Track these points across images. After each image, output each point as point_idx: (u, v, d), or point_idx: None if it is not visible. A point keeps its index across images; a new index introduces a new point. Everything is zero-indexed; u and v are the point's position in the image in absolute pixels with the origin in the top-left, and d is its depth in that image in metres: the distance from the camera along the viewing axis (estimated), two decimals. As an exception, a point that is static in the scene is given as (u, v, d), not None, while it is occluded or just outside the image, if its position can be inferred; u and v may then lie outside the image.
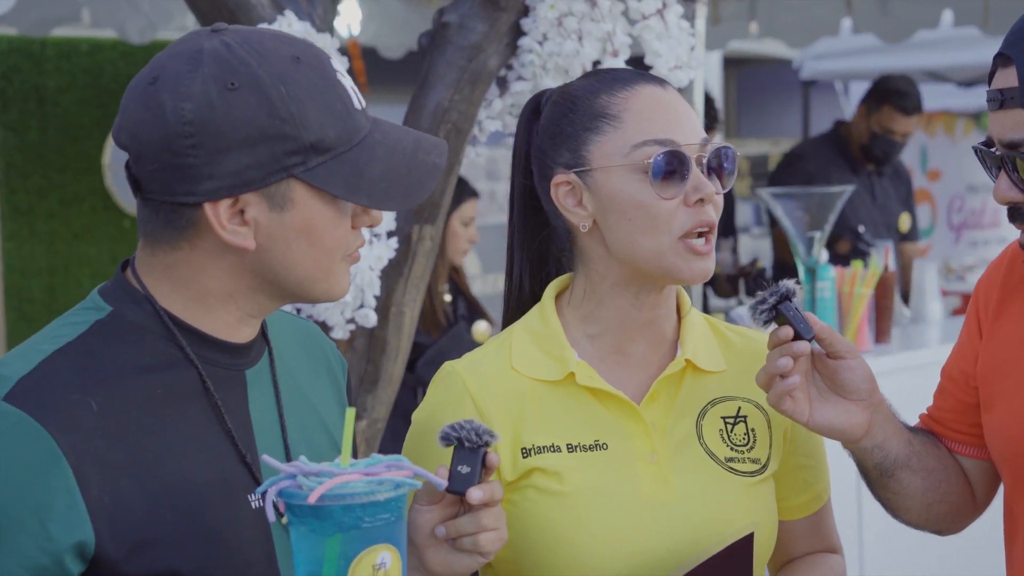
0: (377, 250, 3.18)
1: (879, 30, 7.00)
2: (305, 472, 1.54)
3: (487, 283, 8.02)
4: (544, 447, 1.98)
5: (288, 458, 1.79)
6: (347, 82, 1.72)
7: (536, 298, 2.14)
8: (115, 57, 7.09)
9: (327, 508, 1.50)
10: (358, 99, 1.73)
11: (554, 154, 2.05)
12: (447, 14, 3.29)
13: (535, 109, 2.13)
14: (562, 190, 2.04)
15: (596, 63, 3.29)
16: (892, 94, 6.13)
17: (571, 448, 1.99)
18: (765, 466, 2.06)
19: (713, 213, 2.00)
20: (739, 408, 2.07)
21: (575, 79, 2.14)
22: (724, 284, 5.87)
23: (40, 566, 1.57)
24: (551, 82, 3.31)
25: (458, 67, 3.26)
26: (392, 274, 3.27)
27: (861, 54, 7.49)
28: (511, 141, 2.20)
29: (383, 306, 3.26)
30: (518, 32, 3.33)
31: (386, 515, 1.53)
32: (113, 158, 7.05)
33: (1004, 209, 2.00)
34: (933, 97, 11.16)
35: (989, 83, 2.01)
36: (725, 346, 2.12)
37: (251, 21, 3.17)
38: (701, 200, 1.98)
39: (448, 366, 2.07)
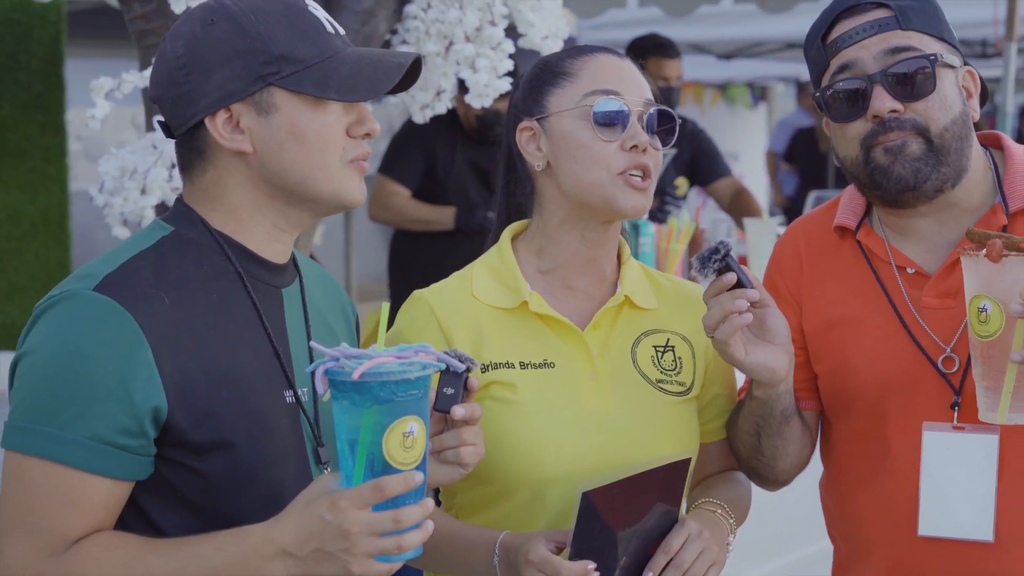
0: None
1: (664, 3, 7.43)
2: (347, 355, 1.81)
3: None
4: (500, 364, 2.30)
5: None
6: (320, 13, 2.04)
7: None
8: None
9: (367, 384, 1.77)
10: (332, 26, 2.05)
11: (523, 106, 2.39)
12: (342, -20, 3.53)
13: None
14: (524, 135, 2.38)
15: (477, 30, 3.59)
16: (651, 47, 6.39)
17: (523, 365, 2.31)
18: (689, 389, 2.41)
19: (648, 159, 2.32)
20: (668, 339, 2.41)
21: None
22: None
23: (125, 427, 1.89)
24: (433, 47, 3.60)
25: (352, 31, 3.51)
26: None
27: (641, 25, 7.91)
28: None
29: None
30: (404, 0, 3.60)
31: (415, 391, 1.80)
32: None
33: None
34: (688, 68, 11.80)
35: (825, 38, 2.32)
36: (657, 288, 2.46)
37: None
38: (635, 146, 2.30)
39: (416, 293, 2.38)
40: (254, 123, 1.99)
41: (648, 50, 6.26)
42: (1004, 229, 2.31)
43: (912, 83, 2.28)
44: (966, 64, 2.36)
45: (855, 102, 2.32)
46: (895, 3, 2.31)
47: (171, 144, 3.33)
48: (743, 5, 7.49)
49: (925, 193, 2.32)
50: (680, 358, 2.41)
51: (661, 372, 2.38)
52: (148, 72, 3.37)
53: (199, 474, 1.94)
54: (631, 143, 2.30)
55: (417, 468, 1.80)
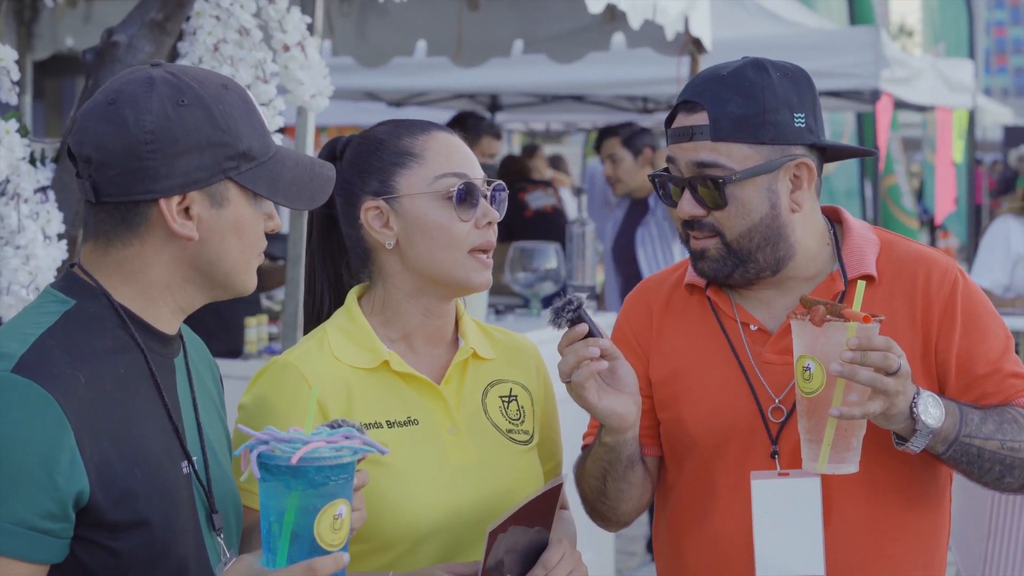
0: (53, 252, 3.37)
1: (356, 54, 7.54)
2: (277, 439, 1.87)
3: None
4: (370, 424, 2.38)
5: (201, 433, 2.14)
6: (260, 108, 2.11)
7: (333, 308, 2.53)
8: None
9: (303, 468, 1.84)
10: (267, 123, 2.09)
11: (362, 184, 2.46)
12: (117, 33, 3.51)
13: (332, 153, 2.53)
14: (371, 214, 2.45)
15: (248, 86, 3.63)
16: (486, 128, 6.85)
17: (390, 424, 2.40)
18: (532, 437, 2.55)
19: (494, 234, 2.47)
20: (511, 389, 2.55)
21: (374, 126, 2.54)
22: None
23: (48, 512, 1.88)
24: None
25: (127, 84, 3.49)
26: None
27: (335, 72, 8.00)
28: None
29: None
30: (178, 55, 3.61)
31: (345, 475, 1.88)
32: None
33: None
34: (357, 114, 12.04)
35: (669, 124, 2.56)
36: (492, 340, 2.59)
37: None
38: (488, 223, 2.45)
39: (281, 359, 2.42)
40: (206, 212, 2.02)
41: (483, 130, 6.58)
42: (842, 295, 2.54)
43: (708, 197, 2.50)
44: (802, 155, 2.53)
45: (671, 197, 2.56)
46: (715, 110, 2.49)
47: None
48: (436, 58, 7.69)
49: (737, 283, 2.57)
50: (523, 407, 2.55)
51: (509, 422, 2.51)
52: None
53: (113, 553, 1.95)
54: (485, 220, 2.43)
55: (341, 549, 1.88)
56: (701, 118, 2.51)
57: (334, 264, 2.57)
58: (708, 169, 2.50)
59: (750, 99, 2.49)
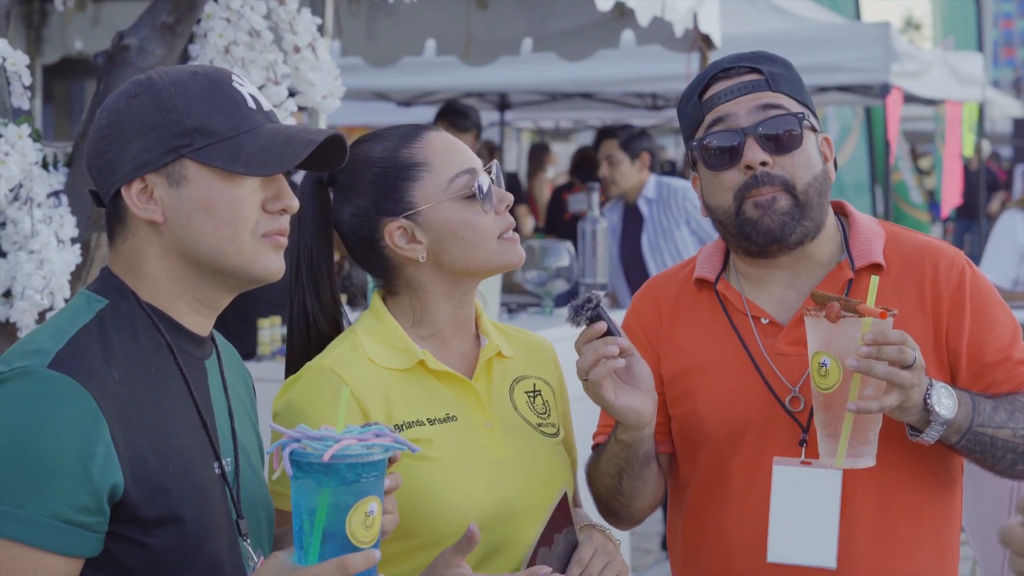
0: (67, 256, 3.37)
1: (365, 54, 7.55)
2: (308, 436, 1.88)
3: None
4: (412, 422, 2.39)
5: (234, 436, 2.15)
6: (245, 90, 2.10)
7: (330, 332, 2.51)
8: None
9: (335, 466, 1.85)
10: (255, 101, 2.09)
11: (376, 209, 2.44)
12: (127, 36, 3.52)
13: (317, 183, 2.49)
14: (396, 234, 2.43)
15: (260, 88, 3.64)
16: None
17: (431, 421, 2.41)
18: (559, 431, 2.56)
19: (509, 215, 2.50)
20: (534, 384, 2.57)
21: (359, 145, 2.49)
22: None
23: (84, 505, 1.89)
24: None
25: (139, 87, 3.50)
26: (74, 279, 3.46)
27: (343, 72, 8.02)
28: None
29: (65, 309, 3.44)
30: (189, 57, 3.61)
31: (376, 472, 1.89)
32: None
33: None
34: (366, 113, 12.06)
35: (702, 96, 2.55)
36: (508, 338, 2.60)
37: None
38: (506, 206, 2.47)
39: (317, 363, 2.41)
40: (166, 194, 2.03)
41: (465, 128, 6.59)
42: (849, 283, 2.57)
43: (781, 139, 2.52)
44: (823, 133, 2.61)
45: (729, 153, 2.53)
46: (765, 68, 2.55)
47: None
48: (445, 57, 7.69)
49: (789, 245, 2.55)
50: (547, 402, 2.57)
51: (537, 416, 2.53)
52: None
53: (146, 548, 1.96)
54: (503, 205, 2.46)
55: (373, 546, 1.88)
56: (751, 76, 2.56)
57: (326, 295, 2.53)
58: (775, 111, 2.53)
59: (787, 67, 2.58)
